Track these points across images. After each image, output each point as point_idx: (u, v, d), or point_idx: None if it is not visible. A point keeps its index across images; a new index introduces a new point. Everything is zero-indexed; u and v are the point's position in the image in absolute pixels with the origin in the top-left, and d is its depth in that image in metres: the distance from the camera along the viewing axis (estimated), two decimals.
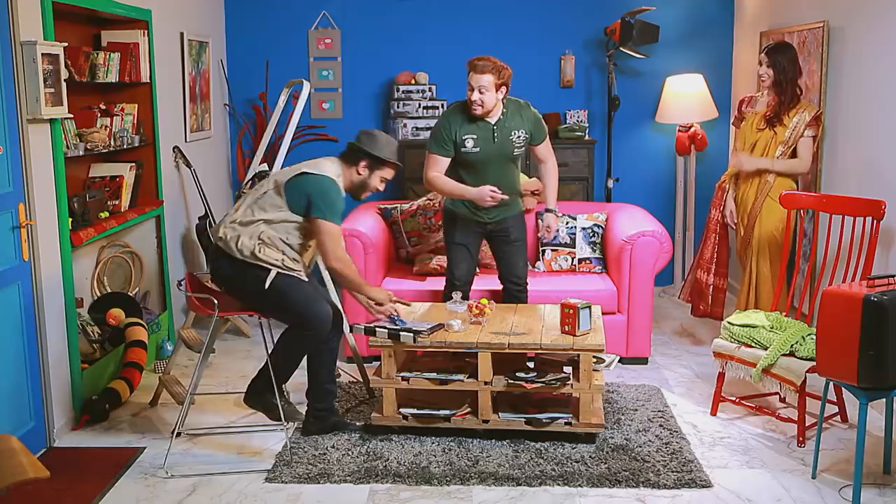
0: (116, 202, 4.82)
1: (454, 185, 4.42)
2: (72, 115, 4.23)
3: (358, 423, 4.11)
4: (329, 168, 3.83)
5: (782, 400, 4.37)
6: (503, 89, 4.32)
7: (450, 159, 4.43)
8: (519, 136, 4.42)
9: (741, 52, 6.40)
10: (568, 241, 5.41)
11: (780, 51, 4.66)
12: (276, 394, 3.82)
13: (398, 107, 6.27)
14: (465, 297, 4.52)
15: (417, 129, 6.25)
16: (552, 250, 5.41)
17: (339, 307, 4.20)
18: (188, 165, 5.57)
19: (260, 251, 3.72)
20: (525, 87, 5.67)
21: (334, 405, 4.11)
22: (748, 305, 4.78)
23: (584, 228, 5.40)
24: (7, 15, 3.68)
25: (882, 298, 3.15)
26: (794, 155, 4.67)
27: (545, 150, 4.61)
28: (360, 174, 3.90)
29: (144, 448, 3.95)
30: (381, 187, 3.99)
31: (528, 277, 4.70)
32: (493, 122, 4.37)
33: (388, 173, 3.95)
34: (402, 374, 3.98)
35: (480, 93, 4.26)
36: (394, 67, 6.51)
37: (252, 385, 3.91)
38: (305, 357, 3.93)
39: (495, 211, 4.50)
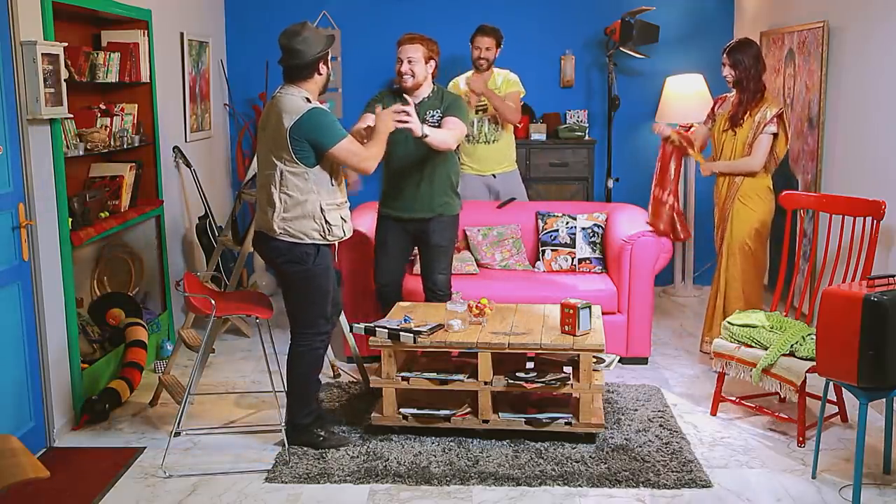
0: (116, 202, 4.82)
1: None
2: (72, 115, 4.23)
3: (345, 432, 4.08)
4: (298, 103, 3.61)
5: (782, 400, 4.36)
6: (432, 63, 4.36)
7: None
8: (433, 116, 4.37)
9: None
10: (568, 241, 5.40)
11: (741, 49, 4.61)
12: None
13: None
14: (393, 298, 4.58)
15: None
16: (552, 250, 5.41)
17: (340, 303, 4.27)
18: (188, 165, 5.57)
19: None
20: (525, 88, 5.67)
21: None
22: (716, 310, 4.77)
23: (584, 228, 5.39)
24: (7, 15, 3.68)
25: (882, 298, 3.15)
26: None
27: (450, 121, 4.31)
28: (321, 74, 3.74)
29: (144, 448, 3.95)
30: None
31: (449, 286, 4.61)
32: (416, 102, 4.34)
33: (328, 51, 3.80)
34: (402, 374, 3.98)
35: (409, 63, 4.31)
36: (394, 67, 6.49)
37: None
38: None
39: (405, 206, 4.44)
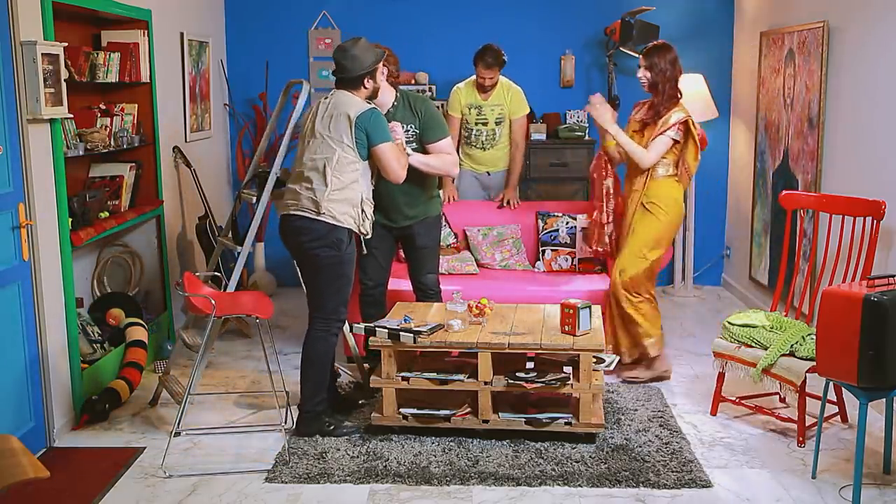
0: (116, 202, 4.82)
1: None
2: (72, 115, 4.23)
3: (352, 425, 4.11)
4: (360, 102, 3.97)
5: (782, 400, 4.36)
6: (385, 70, 4.26)
7: None
8: (407, 131, 4.32)
9: (741, 52, 6.41)
10: (568, 241, 5.40)
11: (657, 52, 4.59)
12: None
13: None
14: (380, 299, 4.59)
15: None
16: (552, 250, 5.41)
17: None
18: (188, 165, 5.57)
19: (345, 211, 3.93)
20: (525, 87, 5.67)
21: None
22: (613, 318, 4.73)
23: (584, 228, 5.39)
24: (7, 15, 3.68)
25: (882, 298, 3.15)
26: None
27: (442, 148, 4.38)
28: (367, 87, 4.05)
29: (144, 448, 3.95)
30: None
31: (438, 283, 4.62)
32: (382, 113, 4.23)
33: (380, 67, 4.09)
34: (402, 374, 3.98)
35: None
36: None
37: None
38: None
39: (385, 215, 4.41)
